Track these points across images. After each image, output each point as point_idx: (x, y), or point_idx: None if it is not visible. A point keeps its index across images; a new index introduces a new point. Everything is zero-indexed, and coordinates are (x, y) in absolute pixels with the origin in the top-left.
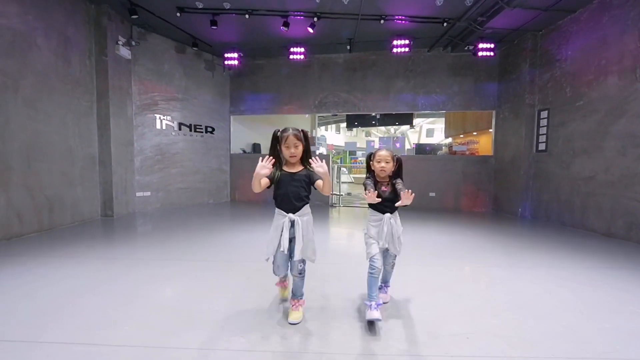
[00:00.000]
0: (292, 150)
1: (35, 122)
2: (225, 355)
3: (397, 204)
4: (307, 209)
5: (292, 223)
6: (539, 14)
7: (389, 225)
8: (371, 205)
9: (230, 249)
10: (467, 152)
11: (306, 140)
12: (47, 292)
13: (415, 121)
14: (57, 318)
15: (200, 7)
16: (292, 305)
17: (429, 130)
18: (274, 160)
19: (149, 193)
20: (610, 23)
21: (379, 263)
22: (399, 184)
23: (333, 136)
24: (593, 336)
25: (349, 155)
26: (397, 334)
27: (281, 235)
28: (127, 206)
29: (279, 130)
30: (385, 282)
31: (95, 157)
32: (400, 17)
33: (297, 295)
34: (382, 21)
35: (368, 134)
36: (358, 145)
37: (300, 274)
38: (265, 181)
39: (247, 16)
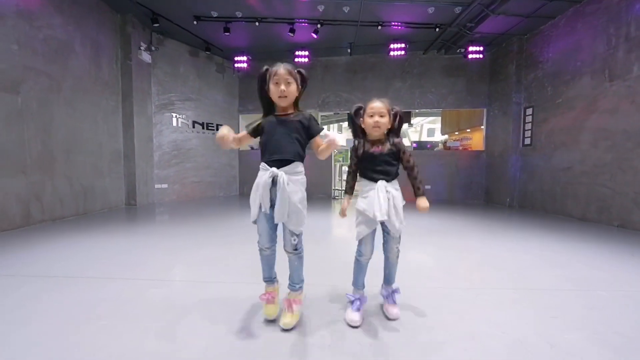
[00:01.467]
0: (283, 87)
1: (73, 119)
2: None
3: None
4: (298, 166)
5: (275, 180)
6: (522, 20)
7: (384, 193)
8: (362, 173)
9: (239, 230)
10: (460, 148)
11: (303, 82)
12: (104, 251)
13: (416, 120)
14: (121, 269)
15: (215, 15)
16: (286, 305)
17: (430, 129)
18: (232, 138)
19: (166, 185)
20: (584, 29)
21: (367, 248)
22: (408, 160)
23: (335, 135)
24: (541, 279)
25: (349, 153)
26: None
27: (261, 195)
28: (147, 197)
29: (266, 68)
30: (390, 282)
31: (120, 152)
32: (396, 23)
33: (294, 283)
34: (379, 27)
35: None
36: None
37: (295, 250)
38: (242, 134)
39: (257, 24)
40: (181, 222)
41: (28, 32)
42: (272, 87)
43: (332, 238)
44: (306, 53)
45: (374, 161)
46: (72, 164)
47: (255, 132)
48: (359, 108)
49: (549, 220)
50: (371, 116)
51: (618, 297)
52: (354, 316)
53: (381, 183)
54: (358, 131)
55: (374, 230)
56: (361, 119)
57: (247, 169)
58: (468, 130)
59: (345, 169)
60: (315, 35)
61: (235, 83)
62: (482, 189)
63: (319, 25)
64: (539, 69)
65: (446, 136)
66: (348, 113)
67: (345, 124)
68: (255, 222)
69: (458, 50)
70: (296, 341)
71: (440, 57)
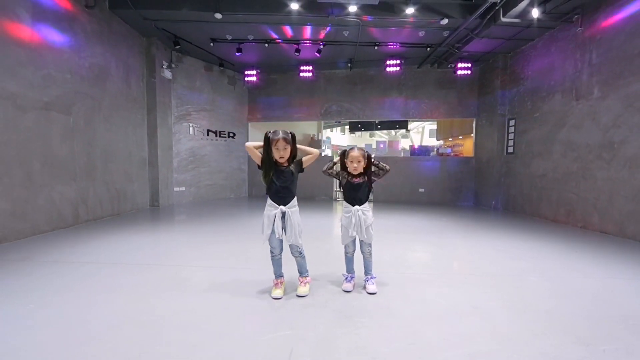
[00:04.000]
0: (282, 153)
1: (110, 132)
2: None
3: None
4: (295, 201)
5: (284, 214)
6: (505, 41)
7: (356, 217)
8: (345, 198)
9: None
10: (452, 154)
11: (294, 143)
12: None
13: (417, 123)
14: (156, 258)
15: (229, 38)
16: (300, 282)
17: (432, 130)
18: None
19: (183, 188)
20: (557, 52)
21: (350, 249)
22: (373, 169)
23: (338, 137)
24: (492, 269)
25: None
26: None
27: (274, 224)
28: (168, 199)
29: (270, 132)
30: (368, 273)
31: (145, 159)
32: (391, 43)
33: (302, 273)
34: (376, 47)
35: (372, 135)
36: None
37: (300, 254)
38: (256, 145)
39: (266, 45)
40: (201, 220)
41: (77, 62)
42: (273, 150)
43: (333, 235)
44: (310, 68)
45: (353, 189)
46: (109, 171)
47: (265, 175)
48: (344, 151)
49: (526, 221)
50: (351, 162)
51: (542, 281)
52: (347, 285)
53: (355, 208)
54: (343, 166)
55: (353, 239)
56: (345, 159)
57: (255, 172)
58: (460, 137)
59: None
60: (318, 55)
61: (245, 93)
62: (472, 193)
63: (322, 46)
64: (520, 85)
65: (441, 142)
66: (340, 154)
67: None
68: (264, 243)
69: (449, 65)
70: (305, 301)
71: (433, 71)
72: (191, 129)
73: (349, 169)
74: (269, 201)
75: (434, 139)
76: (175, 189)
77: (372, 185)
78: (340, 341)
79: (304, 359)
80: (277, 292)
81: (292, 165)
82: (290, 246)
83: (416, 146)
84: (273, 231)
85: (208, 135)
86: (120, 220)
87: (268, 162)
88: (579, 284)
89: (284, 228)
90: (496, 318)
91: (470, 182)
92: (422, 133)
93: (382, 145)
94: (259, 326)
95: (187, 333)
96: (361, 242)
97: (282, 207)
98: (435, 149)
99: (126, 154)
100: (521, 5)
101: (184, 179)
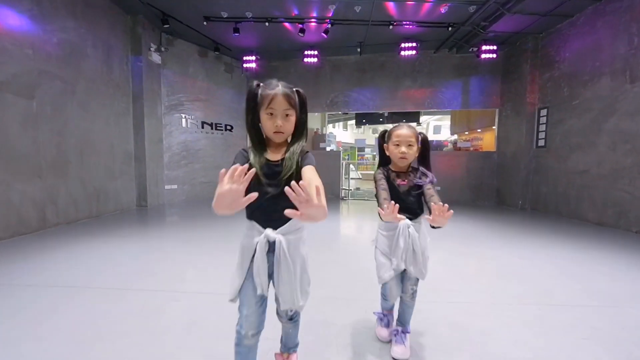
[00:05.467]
0: (279, 122)
1: (86, 122)
2: None
3: (428, 220)
4: (296, 223)
5: (272, 245)
6: (538, 18)
7: (405, 237)
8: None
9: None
10: (471, 148)
11: (303, 109)
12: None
13: (422, 119)
14: (150, 274)
15: (225, 16)
16: None
17: (436, 127)
18: (248, 171)
19: (175, 186)
20: (604, 28)
21: (394, 292)
22: (432, 193)
23: (340, 133)
24: (564, 293)
25: (357, 151)
26: None
27: (250, 264)
28: (158, 198)
29: (258, 84)
30: (403, 324)
31: (131, 153)
32: (408, 22)
33: (288, 346)
34: (390, 27)
35: (375, 131)
36: (367, 142)
37: (292, 319)
38: (237, 195)
39: (267, 24)
40: (195, 223)
41: (42, 36)
42: (264, 117)
43: (345, 241)
44: (315, 52)
45: (397, 195)
46: (85, 166)
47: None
48: (385, 132)
49: (564, 224)
50: (397, 145)
51: (625, 310)
52: (383, 332)
53: (404, 224)
54: (383, 156)
55: (398, 274)
56: (385, 144)
57: None
58: (479, 130)
59: (352, 167)
60: (325, 35)
61: (243, 82)
62: (493, 191)
63: (329, 25)
64: (555, 69)
65: (455, 136)
66: (376, 137)
67: (351, 122)
68: (233, 300)
69: (470, 49)
70: None
71: (451, 56)
72: (184, 120)
73: (393, 161)
74: (248, 222)
75: (439, 135)
76: (166, 186)
77: (429, 191)
78: None
79: None
80: None
81: (294, 159)
82: (277, 309)
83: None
84: (249, 279)
85: (203, 127)
86: (100, 223)
87: (257, 144)
88: None
89: (271, 276)
90: None
91: (491, 179)
92: (426, 129)
93: None
94: None
95: None
96: (404, 275)
97: (269, 231)
98: (449, 144)
99: (107, 147)
100: None
101: (176, 176)
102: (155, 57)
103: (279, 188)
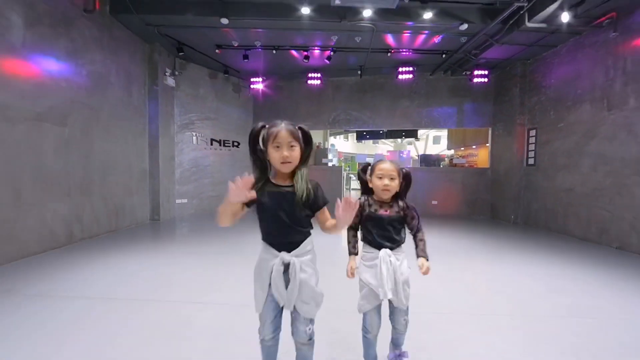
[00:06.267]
0: (285, 153)
1: (109, 143)
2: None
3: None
4: (308, 244)
5: (287, 266)
6: (524, 48)
7: (388, 265)
8: (365, 237)
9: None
10: (466, 165)
11: (306, 142)
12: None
13: (422, 131)
14: (168, 284)
15: (236, 45)
16: None
17: (436, 137)
18: (252, 181)
19: (185, 200)
20: (584, 59)
21: (375, 322)
22: (413, 222)
23: (341, 143)
24: (538, 305)
25: (357, 165)
26: None
27: (269, 286)
28: (169, 212)
29: (263, 125)
30: (398, 347)
31: (146, 171)
32: (404, 50)
33: None
34: (389, 54)
35: (375, 142)
36: (367, 153)
37: (309, 339)
38: (236, 208)
39: (274, 51)
40: (204, 237)
41: (74, 69)
42: (271, 150)
43: (340, 263)
44: (318, 75)
45: (380, 225)
46: (107, 185)
47: (249, 202)
48: (367, 166)
49: (552, 239)
50: (380, 178)
51: (604, 322)
52: None
53: (384, 252)
54: (366, 188)
55: (380, 304)
56: (369, 177)
57: None
58: (474, 146)
59: (353, 176)
60: (328, 62)
61: (250, 101)
62: (488, 206)
63: (332, 53)
64: (542, 94)
65: (452, 151)
66: (358, 172)
67: (352, 134)
68: (259, 312)
69: (464, 73)
70: None
71: (446, 78)
72: (194, 138)
73: (375, 192)
74: (264, 245)
75: (439, 145)
76: (177, 201)
77: (411, 225)
78: None
79: None
80: None
81: (303, 186)
82: (294, 322)
83: (419, 154)
84: (271, 295)
85: (212, 144)
86: (118, 237)
87: (260, 173)
88: None
89: (287, 290)
90: None
91: (486, 194)
92: (426, 140)
93: (403, 155)
94: None
95: None
96: (392, 308)
97: (284, 254)
98: (446, 159)
99: (126, 166)
100: (550, 9)
101: (187, 191)
102: (170, 81)
103: (291, 212)
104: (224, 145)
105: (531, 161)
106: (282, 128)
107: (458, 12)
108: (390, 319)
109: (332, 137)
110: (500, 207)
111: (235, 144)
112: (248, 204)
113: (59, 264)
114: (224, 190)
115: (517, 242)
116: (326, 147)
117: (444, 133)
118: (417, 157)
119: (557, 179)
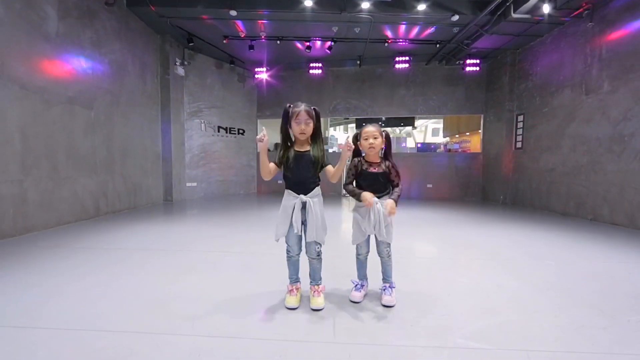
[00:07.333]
0: (303, 126)
1: (127, 128)
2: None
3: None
4: (317, 190)
5: (304, 204)
6: (513, 38)
7: (375, 211)
8: (358, 186)
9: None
10: (460, 150)
11: (317, 119)
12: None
13: (421, 122)
14: (185, 247)
15: (242, 36)
16: (313, 292)
17: (435, 129)
18: (266, 135)
19: (195, 184)
20: (566, 47)
21: (363, 250)
22: (393, 177)
23: (341, 135)
24: (507, 253)
25: (348, 169)
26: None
27: (292, 217)
28: (181, 194)
29: (290, 105)
30: (387, 280)
31: (159, 155)
32: (401, 40)
33: (316, 279)
34: (386, 44)
35: None
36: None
37: (318, 255)
38: (272, 166)
39: (278, 42)
40: (216, 214)
41: (98, 58)
42: (293, 124)
43: (344, 231)
44: (319, 65)
45: (370, 179)
46: (126, 165)
47: (280, 162)
48: (357, 134)
49: (536, 215)
50: (366, 139)
51: (560, 265)
52: (356, 295)
53: (374, 201)
54: (357, 152)
55: (368, 236)
56: (358, 142)
57: None
58: (467, 133)
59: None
60: (329, 51)
61: (254, 90)
62: (479, 188)
63: (332, 43)
64: (529, 81)
65: (448, 139)
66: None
67: (351, 125)
68: (277, 240)
69: (457, 62)
70: (308, 316)
71: (441, 68)
72: (202, 125)
73: (364, 152)
74: (287, 190)
75: (437, 137)
76: (187, 184)
77: (393, 179)
78: None
79: None
80: (292, 301)
81: (315, 150)
82: (308, 245)
83: (420, 144)
84: (292, 225)
85: (219, 131)
86: (138, 213)
87: (286, 141)
88: (595, 267)
89: (303, 222)
90: (521, 295)
91: (478, 177)
92: (425, 132)
93: (403, 144)
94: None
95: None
96: (378, 242)
97: (302, 196)
98: (442, 147)
99: (142, 149)
100: (532, 1)
101: (196, 175)
102: (180, 70)
103: (305, 169)
104: (230, 132)
105: (519, 145)
106: (302, 109)
107: (450, 3)
108: (377, 251)
109: (331, 129)
110: (490, 189)
111: (241, 131)
112: (278, 165)
113: (93, 229)
114: (230, 175)
115: (502, 217)
116: (327, 135)
117: (442, 125)
118: (415, 147)
119: (542, 160)
